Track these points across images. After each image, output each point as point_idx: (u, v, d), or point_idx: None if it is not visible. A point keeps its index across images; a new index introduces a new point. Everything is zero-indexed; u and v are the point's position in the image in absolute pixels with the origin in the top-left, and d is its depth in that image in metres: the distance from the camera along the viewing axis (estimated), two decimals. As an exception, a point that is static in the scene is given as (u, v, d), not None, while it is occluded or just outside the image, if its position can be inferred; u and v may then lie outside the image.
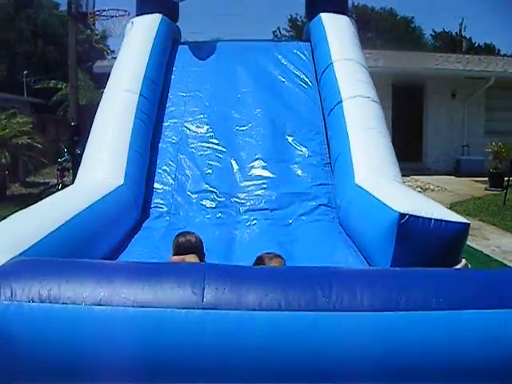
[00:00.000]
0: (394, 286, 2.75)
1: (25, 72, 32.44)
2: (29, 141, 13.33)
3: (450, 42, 40.74)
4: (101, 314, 2.56)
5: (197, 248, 4.16)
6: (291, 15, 42.46)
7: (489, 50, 39.14)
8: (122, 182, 5.75)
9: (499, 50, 40.26)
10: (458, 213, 10.22)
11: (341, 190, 6.04)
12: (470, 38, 40.89)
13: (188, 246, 4.14)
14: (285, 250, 5.09)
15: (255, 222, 6.02)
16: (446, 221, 4.17)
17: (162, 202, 6.30)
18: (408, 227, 4.20)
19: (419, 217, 4.21)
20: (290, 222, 6.01)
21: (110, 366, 2.55)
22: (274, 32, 43.87)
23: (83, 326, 2.55)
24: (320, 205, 6.21)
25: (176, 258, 4.01)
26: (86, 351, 2.54)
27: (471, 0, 57.81)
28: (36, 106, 24.39)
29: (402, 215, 4.20)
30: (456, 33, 41.47)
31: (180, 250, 4.11)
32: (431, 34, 45.71)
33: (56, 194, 4.95)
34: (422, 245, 4.20)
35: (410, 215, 4.20)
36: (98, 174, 5.84)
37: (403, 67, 17.66)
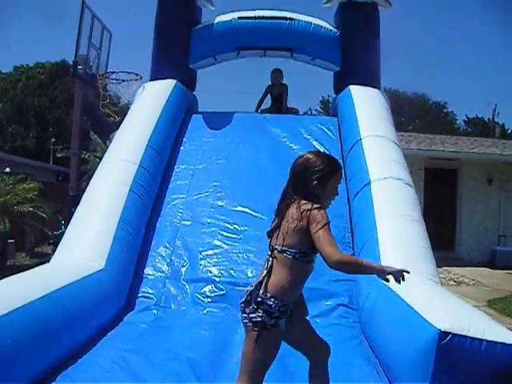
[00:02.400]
0: None
1: (52, 140, 32.45)
2: (31, 209, 12.64)
3: (483, 128, 40.02)
4: None
5: None
6: (323, 96, 42.23)
7: (521, 136, 38.21)
8: (102, 265, 4.83)
9: (531, 137, 39.30)
10: (498, 312, 8.95)
11: (364, 289, 5.01)
12: (503, 124, 40.19)
13: None
14: (285, 363, 4.01)
15: None
16: (503, 343, 3.17)
17: (151, 291, 5.33)
18: (451, 349, 3.22)
19: (466, 336, 3.22)
20: (302, 324, 4.96)
21: None
22: (305, 113, 43.67)
23: None
24: (339, 305, 5.19)
25: None
26: None
27: (504, 86, 57.46)
28: (62, 173, 24.00)
29: (444, 334, 3.22)
30: (488, 119, 40.88)
31: None
32: (464, 120, 45.12)
33: (11, 277, 4.02)
34: (469, 372, 3.21)
35: (454, 334, 3.23)
36: (76, 255, 4.94)
37: (437, 150, 16.84)
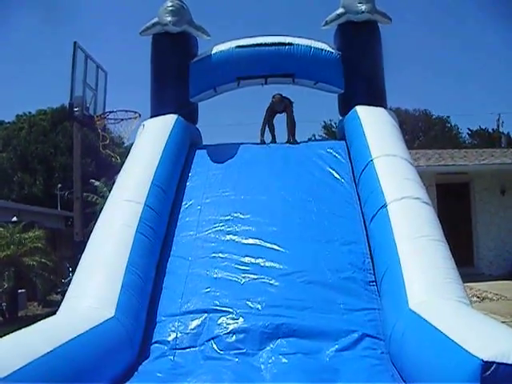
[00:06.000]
0: None
1: (59, 185, 32.42)
2: (36, 258, 12.38)
3: (488, 139, 39.76)
4: None
5: None
6: (325, 121, 42.05)
7: (526, 144, 37.84)
8: (112, 313, 4.57)
9: (538, 144, 38.89)
10: (529, 328, 8.50)
11: (391, 317, 4.72)
12: (508, 133, 39.86)
13: None
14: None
15: (281, 357, 4.68)
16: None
17: (165, 335, 5.02)
18: (497, 381, 2.93)
19: (512, 365, 2.93)
20: (327, 359, 4.65)
21: None
22: (309, 139, 43.34)
23: None
24: (365, 335, 4.86)
25: None
26: None
27: (506, 95, 57.08)
28: (71, 218, 23.87)
29: (487, 363, 2.95)
30: (493, 129, 40.63)
31: None
32: (468, 133, 44.82)
33: (16, 332, 3.77)
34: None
35: (499, 363, 2.95)
36: (84, 303, 4.69)
37: (447, 165, 16.60)
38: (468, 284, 13.49)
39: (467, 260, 16.13)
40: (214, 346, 4.86)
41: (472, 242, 17.07)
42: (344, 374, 4.34)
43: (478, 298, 12.57)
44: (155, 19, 7.81)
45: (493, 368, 2.94)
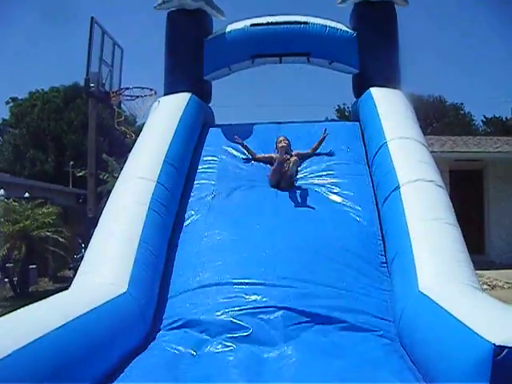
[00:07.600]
0: None
1: (71, 163, 32.55)
2: (48, 234, 12.54)
3: (502, 127, 39.38)
4: None
5: None
6: (339, 105, 41.88)
7: (543, 132, 37.43)
8: (124, 288, 4.58)
9: (555, 133, 38.47)
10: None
11: (400, 299, 4.70)
12: (523, 121, 39.52)
13: None
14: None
15: (294, 327, 4.65)
16: None
17: (176, 310, 5.00)
18: (508, 365, 2.88)
19: (524, 350, 2.90)
20: (339, 337, 4.63)
21: None
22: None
23: None
24: (373, 316, 4.85)
25: None
26: None
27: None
28: (82, 196, 23.98)
29: (499, 348, 2.89)
30: (507, 117, 40.25)
31: None
32: (482, 120, 44.40)
33: (29, 306, 3.80)
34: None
35: (511, 347, 2.88)
36: (96, 279, 4.71)
37: (461, 152, 16.49)
38: (479, 272, 13.45)
39: (478, 248, 16.09)
40: (228, 317, 4.80)
41: (484, 229, 17.01)
42: (353, 352, 4.33)
43: (489, 285, 12.56)
44: (171, -6, 7.76)
45: (504, 352, 2.87)
